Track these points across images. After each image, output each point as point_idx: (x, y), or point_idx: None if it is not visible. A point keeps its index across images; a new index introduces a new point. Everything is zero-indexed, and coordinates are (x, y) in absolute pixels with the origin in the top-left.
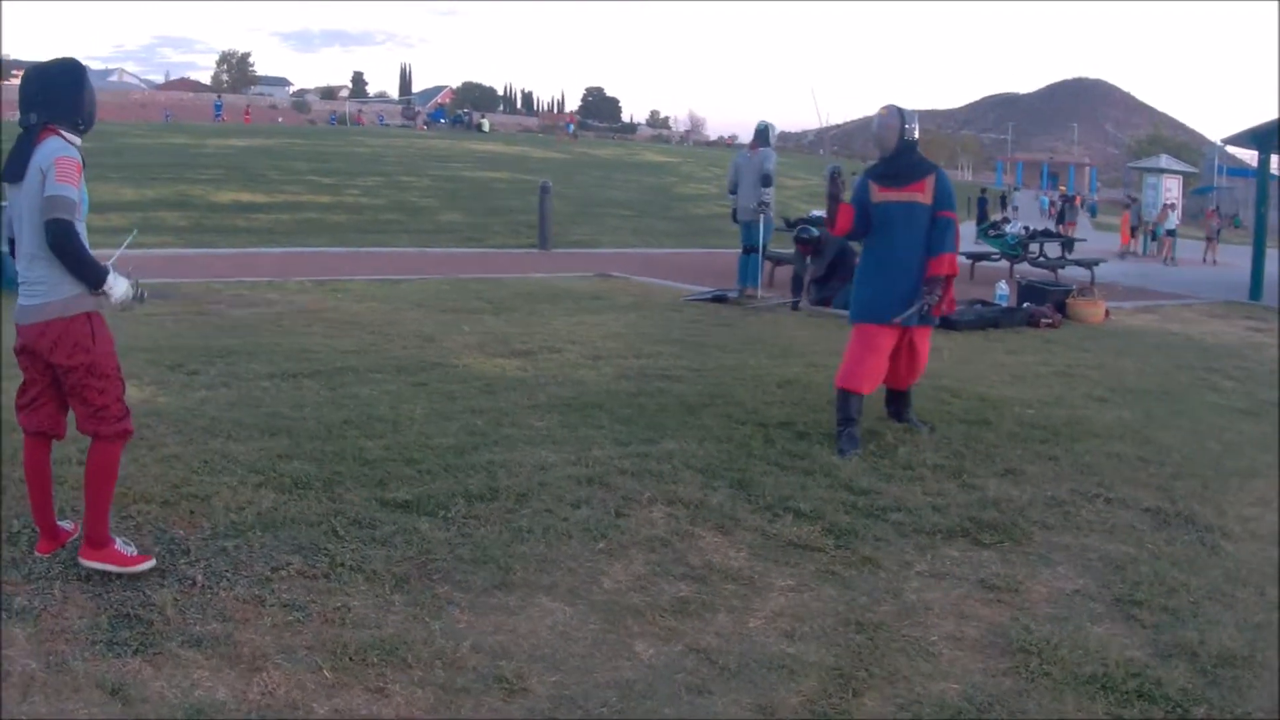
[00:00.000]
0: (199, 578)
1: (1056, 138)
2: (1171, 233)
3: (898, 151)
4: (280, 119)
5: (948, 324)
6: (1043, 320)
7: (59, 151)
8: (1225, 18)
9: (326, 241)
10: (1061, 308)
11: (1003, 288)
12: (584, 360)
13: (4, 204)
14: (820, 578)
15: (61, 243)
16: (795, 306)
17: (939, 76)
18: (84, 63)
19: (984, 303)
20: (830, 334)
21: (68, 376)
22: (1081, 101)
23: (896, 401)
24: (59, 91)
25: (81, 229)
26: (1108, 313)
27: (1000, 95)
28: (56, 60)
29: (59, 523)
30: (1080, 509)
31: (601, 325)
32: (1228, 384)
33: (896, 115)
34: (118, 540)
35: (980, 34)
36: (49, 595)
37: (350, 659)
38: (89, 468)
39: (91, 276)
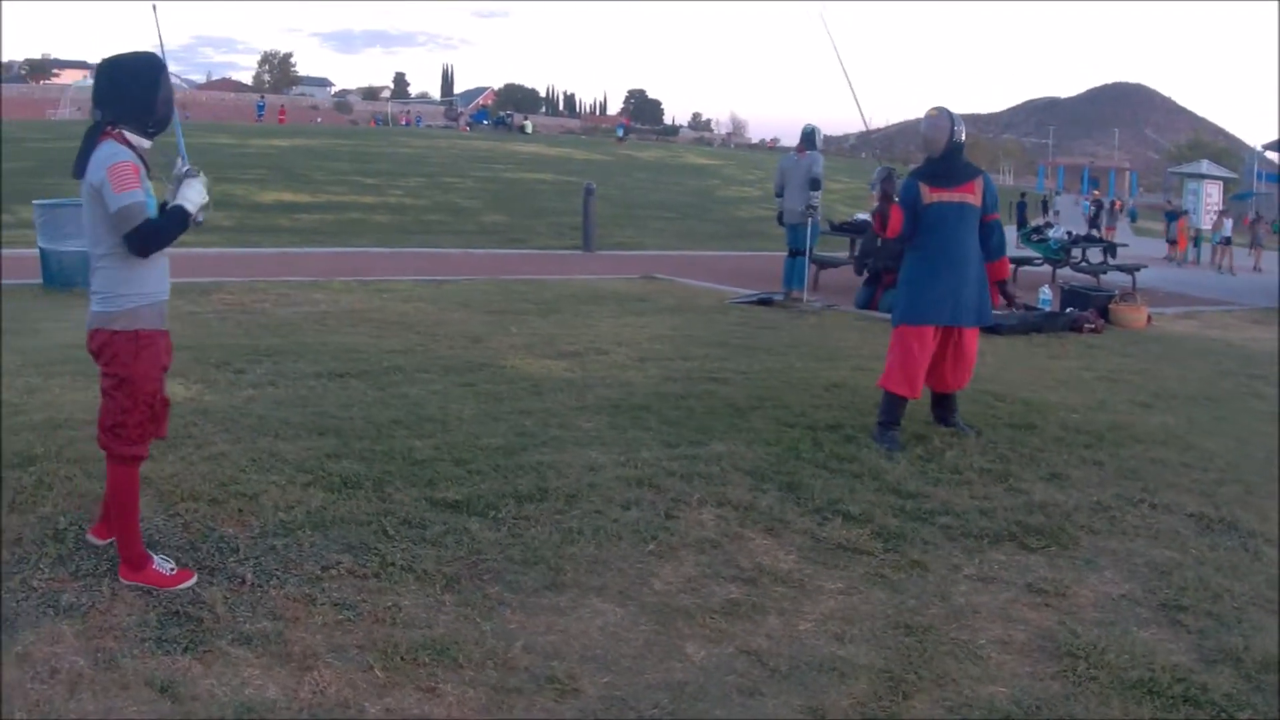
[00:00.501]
0: (249, 576)
1: (1097, 142)
2: (1227, 240)
3: (947, 153)
4: (319, 119)
5: (991, 329)
6: (1085, 325)
7: (108, 160)
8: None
9: (370, 242)
10: (1104, 313)
11: (1046, 292)
12: (631, 362)
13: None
14: (869, 580)
15: (148, 246)
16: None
17: (980, 80)
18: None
19: (1027, 307)
20: (876, 337)
21: (101, 381)
22: (1122, 106)
23: (942, 405)
24: (130, 89)
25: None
26: (1150, 318)
27: (1041, 99)
28: (132, 54)
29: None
30: (1125, 514)
31: (647, 327)
32: (1270, 390)
33: (946, 117)
34: (156, 558)
35: (1021, 38)
36: (97, 592)
37: (402, 658)
38: (108, 488)
39: (182, 225)
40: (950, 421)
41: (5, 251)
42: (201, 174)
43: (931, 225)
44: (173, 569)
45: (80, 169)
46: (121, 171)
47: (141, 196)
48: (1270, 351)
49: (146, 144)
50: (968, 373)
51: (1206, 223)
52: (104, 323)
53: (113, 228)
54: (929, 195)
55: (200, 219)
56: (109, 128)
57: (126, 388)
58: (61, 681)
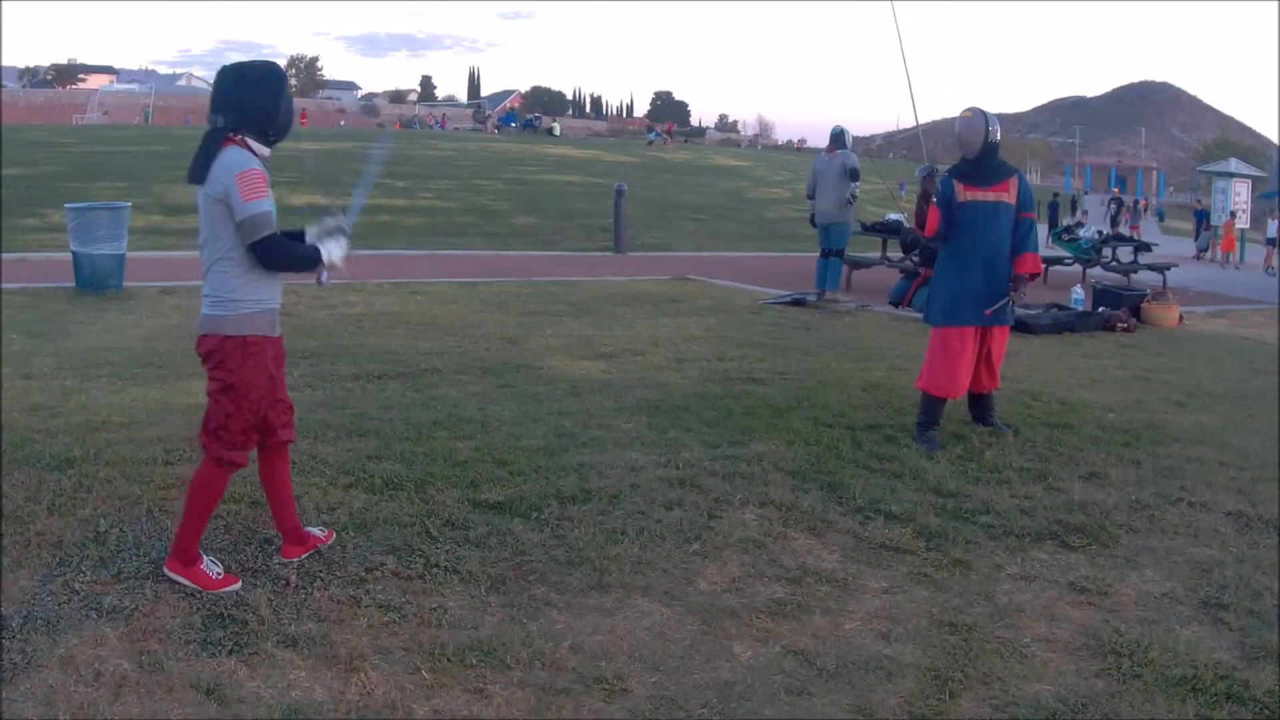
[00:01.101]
0: (292, 578)
1: (1124, 141)
2: (1271, 241)
3: (982, 153)
4: (342, 122)
5: (1024, 328)
6: (1118, 324)
7: (237, 167)
8: None
9: (402, 244)
10: (1136, 312)
11: (1078, 292)
12: (668, 363)
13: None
14: (913, 579)
15: (271, 260)
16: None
17: (1006, 80)
18: (282, 69)
19: (1060, 306)
20: (912, 337)
21: (208, 385)
22: (1148, 105)
23: (979, 405)
24: (253, 97)
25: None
26: (1182, 317)
27: (1067, 99)
28: (255, 62)
29: (307, 529)
30: (1164, 512)
31: (682, 328)
32: None
33: (981, 117)
34: (205, 559)
35: (1047, 37)
36: (140, 595)
37: (448, 660)
38: (192, 481)
39: (310, 264)
40: (988, 421)
41: (37, 255)
42: (342, 229)
43: (966, 224)
44: (219, 573)
45: (200, 174)
46: (251, 179)
47: (269, 206)
48: None
49: (266, 151)
50: (997, 372)
51: (1236, 222)
52: (214, 327)
53: (236, 234)
54: (963, 194)
55: (325, 277)
56: (231, 134)
57: (232, 394)
58: (106, 684)
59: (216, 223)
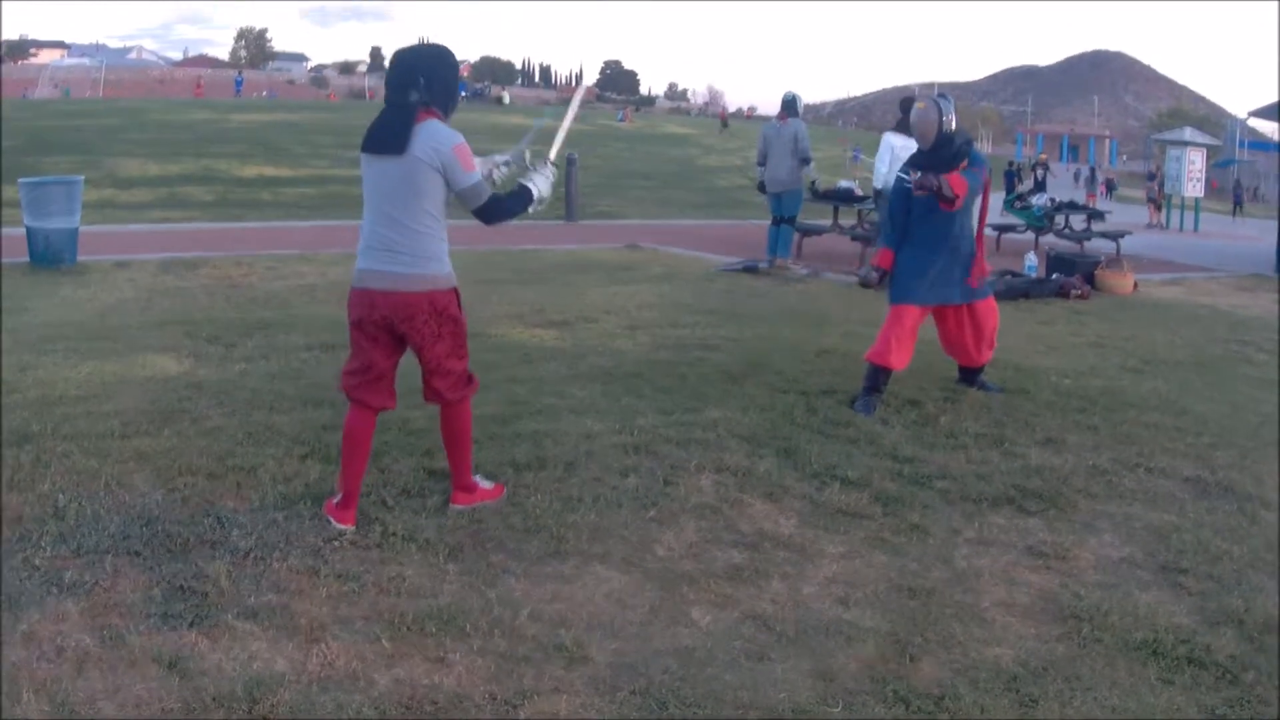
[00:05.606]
0: (251, 549)
1: (1076, 110)
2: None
3: (937, 143)
4: (264, 92)
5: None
6: (1072, 291)
7: (453, 139)
8: None
9: (354, 215)
10: (1090, 279)
11: (1031, 259)
12: (621, 330)
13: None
14: (870, 544)
15: (496, 217)
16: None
17: (958, 49)
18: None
19: (1013, 273)
20: (864, 304)
21: (438, 344)
22: (1101, 74)
23: (969, 376)
24: (440, 77)
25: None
26: (1136, 284)
27: (1019, 68)
28: (432, 45)
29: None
30: (1122, 478)
31: (635, 295)
32: (1261, 356)
33: (934, 109)
34: (478, 477)
35: (999, 5)
36: (100, 569)
37: (408, 628)
38: (456, 429)
39: (525, 206)
40: (978, 383)
41: None
42: (555, 172)
43: (920, 215)
44: (491, 484)
45: (398, 144)
46: (466, 151)
47: (480, 176)
48: (1259, 317)
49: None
50: (990, 346)
51: (1190, 190)
52: (430, 284)
53: (452, 199)
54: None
55: (538, 206)
56: (422, 109)
57: (461, 333)
58: (68, 660)
59: (424, 188)
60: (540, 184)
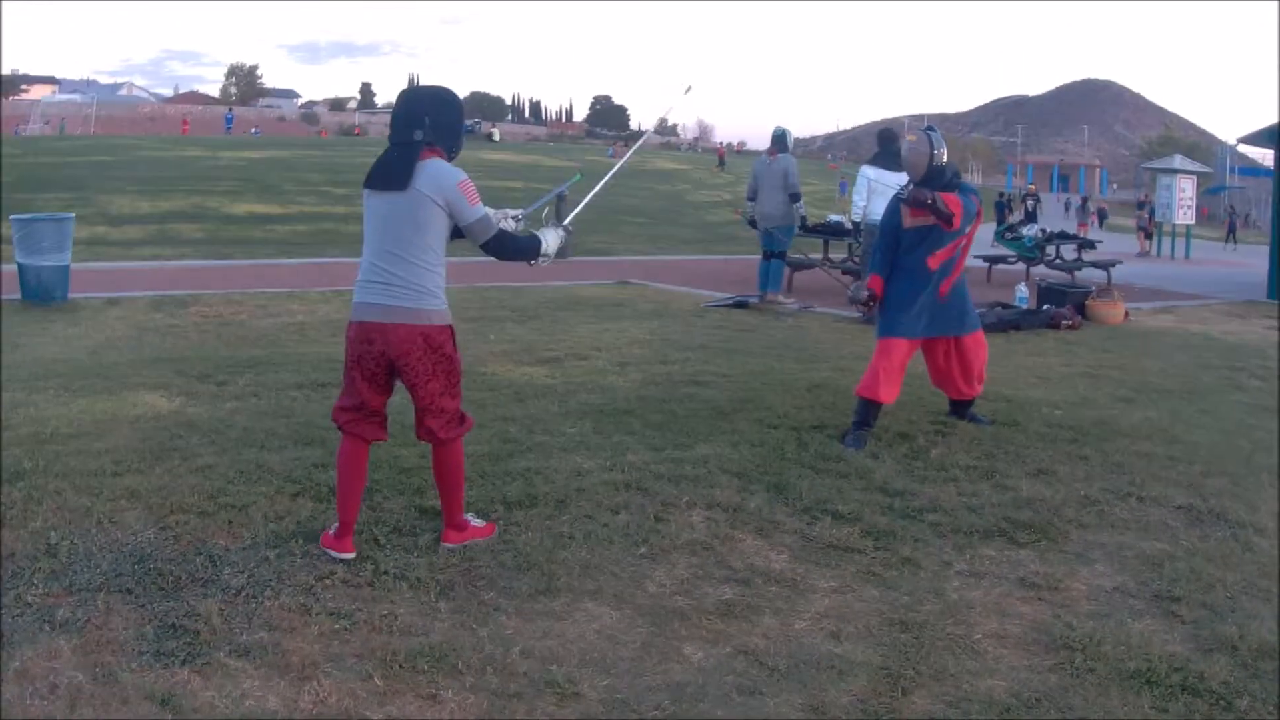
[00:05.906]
0: (243, 587)
1: (1067, 140)
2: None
3: (928, 175)
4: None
5: None
6: (1063, 322)
7: (456, 175)
8: (1231, 17)
9: (345, 252)
10: (1081, 309)
11: (1022, 290)
12: (611, 367)
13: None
14: (862, 578)
15: (503, 252)
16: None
17: (947, 80)
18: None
19: (1004, 305)
20: (855, 339)
21: (428, 384)
22: (1091, 103)
23: (959, 409)
24: (446, 118)
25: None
26: (1127, 314)
27: (1009, 98)
28: (439, 87)
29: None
30: (1114, 507)
31: (625, 332)
32: (1253, 383)
33: (925, 141)
34: (467, 516)
35: (988, 36)
36: (92, 607)
37: (400, 666)
38: (448, 468)
39: (530, 253)
40: (968, 416)
41: None
42: (568, 237)
43: (908, 247)
44: (482, 522)
45: (401, 179)
46: (471, 187)
47: (485, 211)
48: (1252, 343)
49: None
50: (979, 381)
51: (1181, 218)
52: (426, 318)
53: (457, 234)
54: (909, 219)
55: (542, 261)
56: (426, 148)
57: (455, 371)
58: (61, 697)
59: (427, 223)
60: (549, 239)
